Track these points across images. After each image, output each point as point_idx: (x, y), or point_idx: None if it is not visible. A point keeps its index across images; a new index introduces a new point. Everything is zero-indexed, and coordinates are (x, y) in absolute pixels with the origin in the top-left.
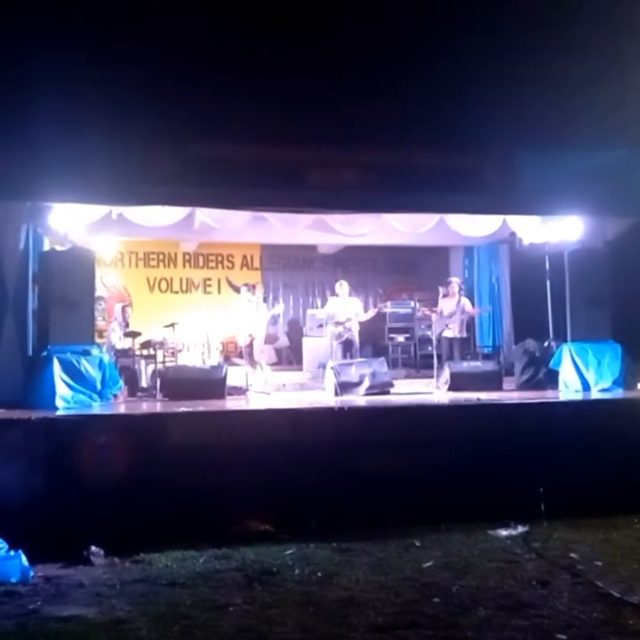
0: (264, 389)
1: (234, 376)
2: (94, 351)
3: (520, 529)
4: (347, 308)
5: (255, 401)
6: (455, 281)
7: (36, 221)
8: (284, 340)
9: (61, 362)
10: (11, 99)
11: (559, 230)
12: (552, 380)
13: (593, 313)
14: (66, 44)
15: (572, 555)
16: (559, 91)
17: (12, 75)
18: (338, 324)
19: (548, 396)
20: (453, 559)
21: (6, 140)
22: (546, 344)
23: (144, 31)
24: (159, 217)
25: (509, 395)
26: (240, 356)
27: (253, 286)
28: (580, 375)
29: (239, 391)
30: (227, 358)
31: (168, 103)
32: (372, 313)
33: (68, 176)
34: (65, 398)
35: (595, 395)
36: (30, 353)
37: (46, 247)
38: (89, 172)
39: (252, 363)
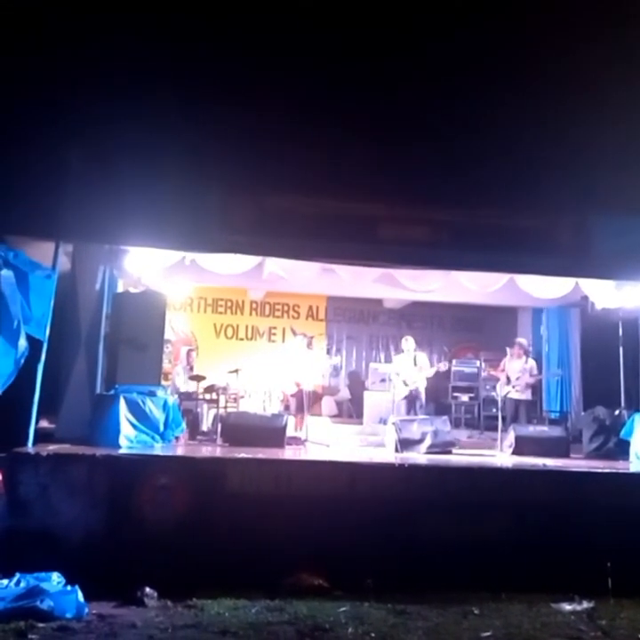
0: (323, 441)
1: (294, 425)
2: (159, 393)
3: (585, 604)
4: (414, 364)
5: (314, 452)
6: (522, 342)
7: (112, 263)
8: (345, 393)
9: (127, 401)
10: (94, 148)
11: (634, 296)
12: (622, 450)
13: None
14: (149, 97)
15: None
16: (636, 156)
17: (97, 125)
18: (405, 383)
19: (617, 466)
20: (513, 630)
21: (89, 185)
22: (617, 412)
23: (226, 88)
24: (230, 265)
25: (577, 463)
26: (287, 406)
27: (311, 339)
28: None
29: (298, 441)
30: (287, 407)
31: (247, 156)
32: (432, 370)
33: (147, 222)
34: (128, 437)
35: None
36: (98, 391)
37: (120, 289)
38: (167, 219)
39: (299, 411)
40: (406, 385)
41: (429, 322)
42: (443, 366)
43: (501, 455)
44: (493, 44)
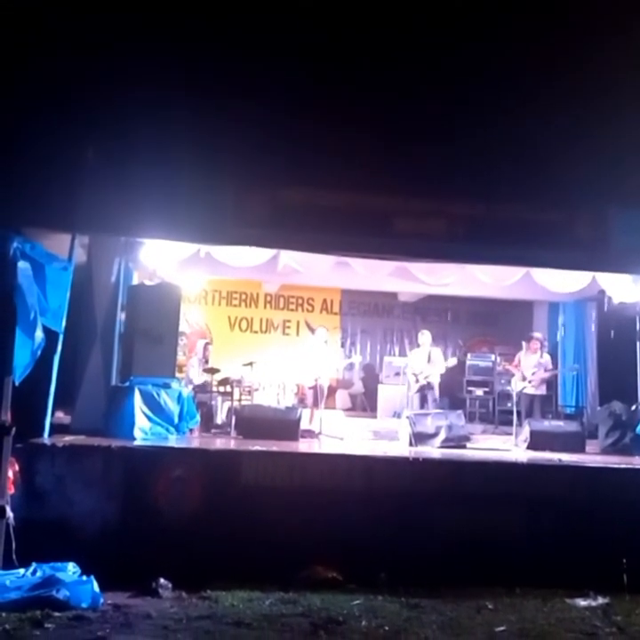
0: (337, 434)
1: (307, 418)
2: (174, 385)
3: (600, 600)
4: (428, 359)
5: (328, 445)
6: (538, 337)
7: (127, 256)
8: (359, 386)
9: (142, 393)
10: (110, 141)
11: None
12: (639, 445)
13: None
14: (164, 90)
15: None
16: None
17: (112, 119)
18: (416, 375)
19: (634, 461)
20: (528, 625)
21: (105, 178)
22: (633, 407)
23: (240, 83)
24: (245, 257)
25: (593, 458)
26: (301, 399)
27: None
28: None
29: (312, 434)
30: (301, 400)
31: (262, 149)
32: (453, 361)
33: (162, 214)
34: (143, 429)
35: None
36: (113, 382)
37: (135, 281)
38: (182, 212)
39: (315, 405)
40: (417, 381)
41: (444, 315)
42: (452, 362)
43: (516, 450)
44: (512, 38)
